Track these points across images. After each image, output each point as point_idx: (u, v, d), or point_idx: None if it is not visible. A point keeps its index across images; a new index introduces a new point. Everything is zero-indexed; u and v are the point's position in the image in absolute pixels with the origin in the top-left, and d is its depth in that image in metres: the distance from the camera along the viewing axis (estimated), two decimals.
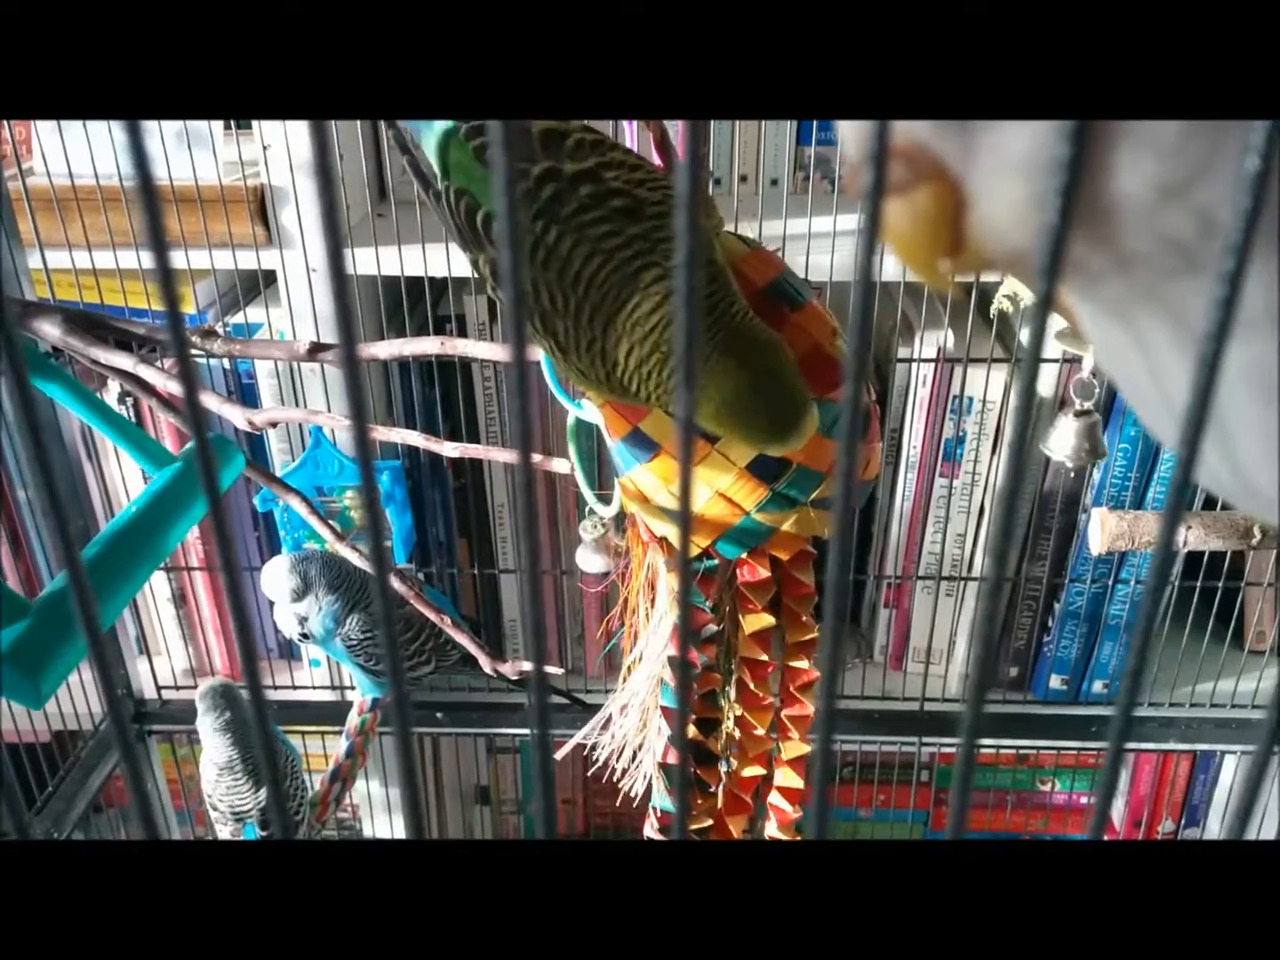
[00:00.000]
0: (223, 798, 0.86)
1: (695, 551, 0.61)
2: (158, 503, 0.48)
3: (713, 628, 0.64)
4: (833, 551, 0.16)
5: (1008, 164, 0.22)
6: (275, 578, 0.85)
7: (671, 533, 0.61)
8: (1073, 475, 0.97)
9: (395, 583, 0.64)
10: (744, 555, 0.62)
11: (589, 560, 0.67)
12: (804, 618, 0.64)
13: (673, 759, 0.65)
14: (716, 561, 0.62)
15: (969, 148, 0.23)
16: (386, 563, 0.17)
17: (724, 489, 0.57)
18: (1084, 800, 1.22)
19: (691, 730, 0.66)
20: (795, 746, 0.66)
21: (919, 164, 0.23)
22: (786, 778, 0.67)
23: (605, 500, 0.66)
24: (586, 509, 0.66)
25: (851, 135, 0.25)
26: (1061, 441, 0.80)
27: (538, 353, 0.57)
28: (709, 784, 0.67)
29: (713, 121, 0.90)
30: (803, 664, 0.65)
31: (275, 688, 0.98)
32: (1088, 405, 0.80)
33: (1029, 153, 0.21)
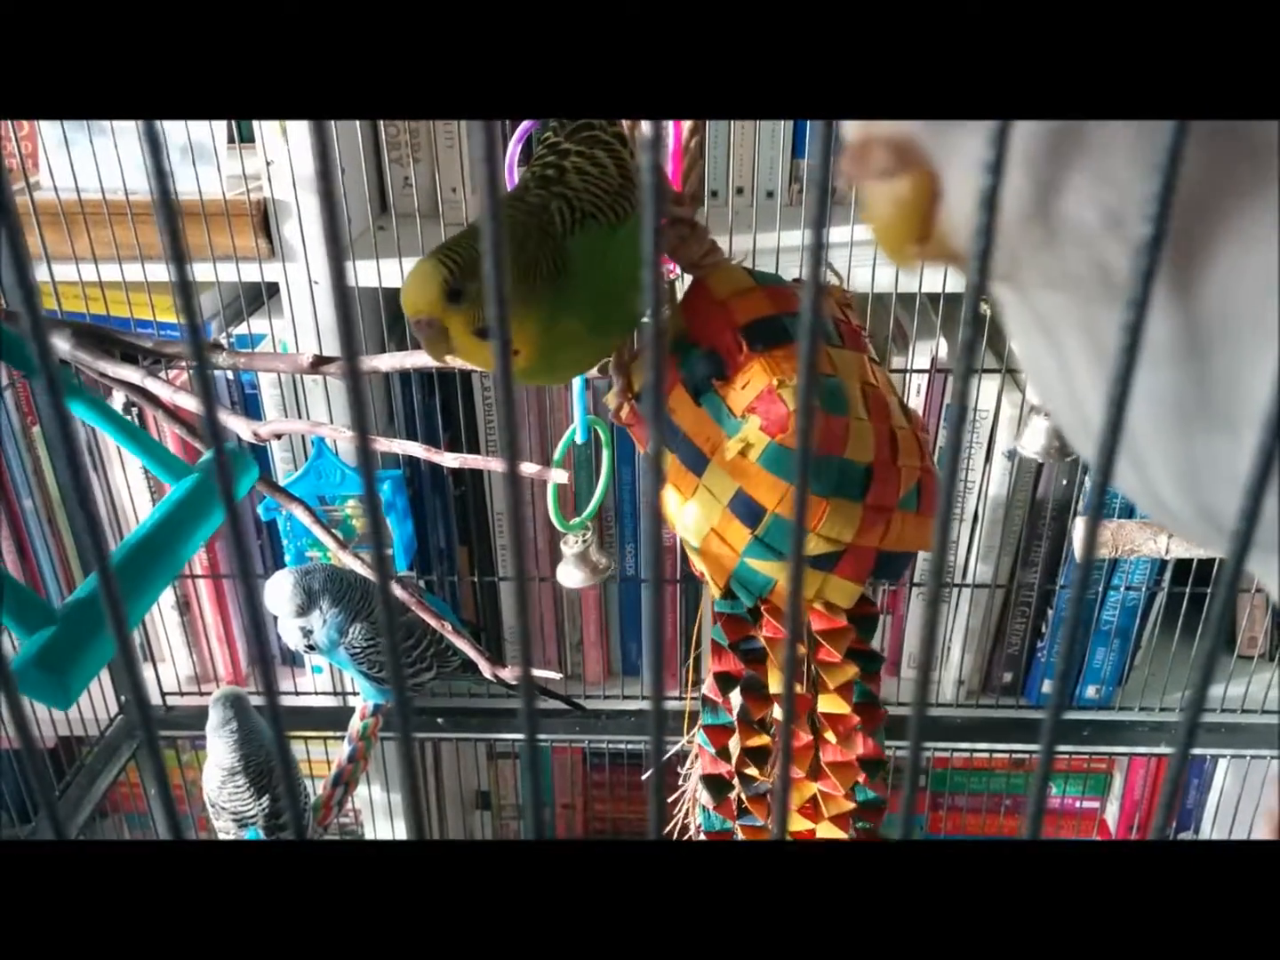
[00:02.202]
0: (226, 803, 0.87)
1: (716, 591, 0.60)
2: (176, 513, 0.49)
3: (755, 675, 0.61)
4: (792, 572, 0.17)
5: (978, 165, 0.24)
6: (279, 593, 0.86)
7: (702, 566, 0.60)
8: (1064, 483, 0.98)
9: (397, 590, 0.65)
10: (763, 608, 0.59)
11: (570, 575, 0.67)
12: (833, 687, 0.60)
13: (704, 800, 0.63)
14: (745, 607, 0.60)
15: (950, 146, 0.25)
16: (389, 571, 0.18)
17: (716, 526, 0.57)
18: (1078, 804, 1.23)
19: (736, 785, 0.63)
20: (838, 804, 0.62)
21: (905, 155, 0.25)
22: (830, 833, 0.63)
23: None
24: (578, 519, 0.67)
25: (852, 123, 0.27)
26: (1032, 440, 0.82)
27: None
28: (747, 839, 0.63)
29: (708, 134, 0.91)
30: (841, 709, 0.61)
31: (279, 693, 1.00)
32: None
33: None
